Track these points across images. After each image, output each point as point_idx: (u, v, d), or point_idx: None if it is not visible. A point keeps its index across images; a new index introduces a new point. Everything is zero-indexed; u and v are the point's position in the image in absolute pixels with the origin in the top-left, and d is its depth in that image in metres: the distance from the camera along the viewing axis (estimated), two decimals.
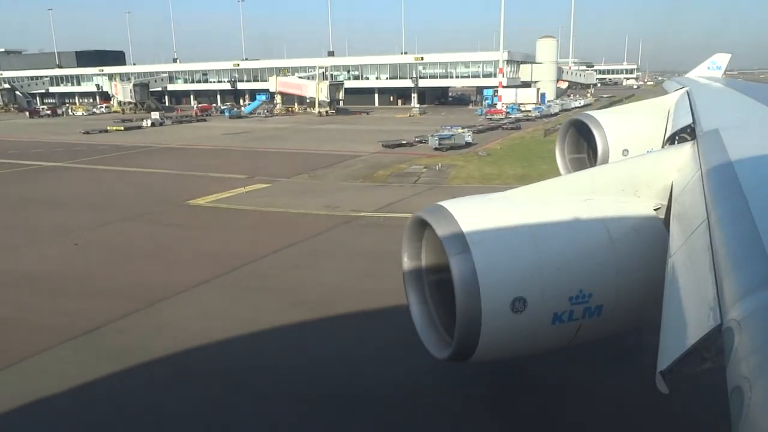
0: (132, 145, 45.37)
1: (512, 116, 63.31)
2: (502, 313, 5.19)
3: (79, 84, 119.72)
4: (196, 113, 76.43)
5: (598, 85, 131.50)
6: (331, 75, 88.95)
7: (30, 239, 18.49)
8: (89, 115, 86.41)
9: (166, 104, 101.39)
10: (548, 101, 76.48)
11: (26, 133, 58.79)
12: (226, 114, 75.52)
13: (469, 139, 39.38)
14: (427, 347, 6.27)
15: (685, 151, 5.77)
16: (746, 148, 4.77)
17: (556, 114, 65.89)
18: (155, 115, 65.61)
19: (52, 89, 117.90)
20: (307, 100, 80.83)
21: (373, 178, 28.74)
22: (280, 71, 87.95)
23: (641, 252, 5.50)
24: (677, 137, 7.33)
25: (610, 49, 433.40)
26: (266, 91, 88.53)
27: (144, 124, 61.96)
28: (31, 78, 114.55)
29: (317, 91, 76.25)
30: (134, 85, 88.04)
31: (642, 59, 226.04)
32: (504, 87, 79.43)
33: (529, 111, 66.60)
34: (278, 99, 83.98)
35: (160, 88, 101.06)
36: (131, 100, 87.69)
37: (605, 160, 10.39)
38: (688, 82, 14.46)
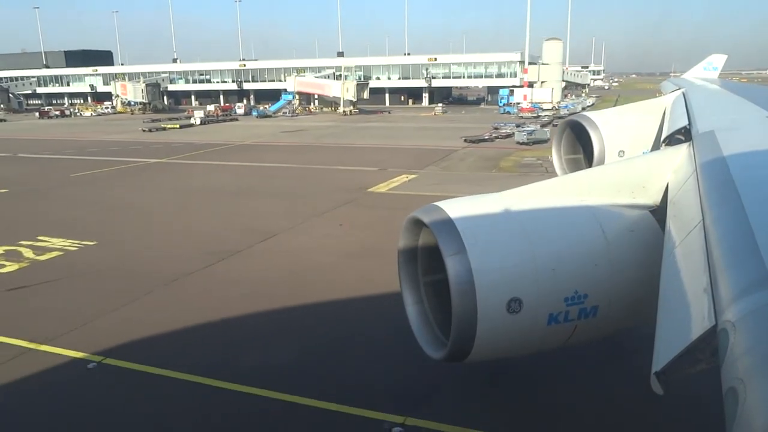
0: (206, 143, 45.43)
1: (542, 114, 66.39)
2: (498, 314, 5.21)
3: (68, 84, 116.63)
4: (217, 113, 76.23)
5: (591, 84, 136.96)
6: (362, 75, 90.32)
7: (295, 222, 19.12)
8: (97, 115, 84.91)
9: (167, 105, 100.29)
10: (567, 101, 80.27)
11: (68, 132, 57.80)
12: (254, 114, 76.31)
13: (548, 134, 41.84)
14: (423, 347, 6.32)
15: (681, 152, 5.80)
16: (741, 149, 4.80)
17: (583, 111, 69.08)
18: (199, 113, 65.84)
19: (39, 90, 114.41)
20: (331, 99, 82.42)
21: (501, 168, 29.94)
22: (297, 71, 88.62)
23: (637, 253, 5.52)
24: (673, 138, 7.36)
25: (574, 52, 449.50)
26: (275, 91, 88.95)
27: (193, 122, 62.93)
28: (18, 78, 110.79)
29: (343, 90, 77.39)
30: (147, 85, 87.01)
31: (605, 61, 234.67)
32: (517, 87, 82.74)
33: (557, 109, 69.86)
34: (295, 99, 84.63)
35: (161, 89, 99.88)
36: (143, 100, 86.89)
37: (601, 161, 10.47)
38: (684, 84, 14.50)
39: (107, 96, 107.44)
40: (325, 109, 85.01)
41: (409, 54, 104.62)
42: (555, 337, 5.68)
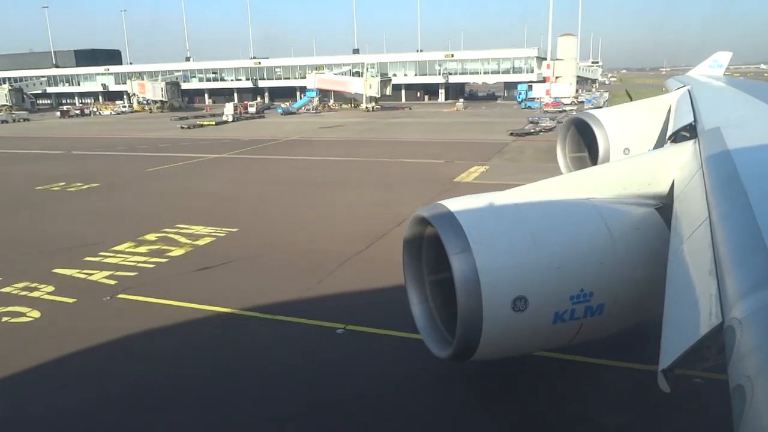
0: (251, 139, 45.23)
1: (567, 108, 67.42)
2: (504, 313, 5.19)
3: (78, 84, 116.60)
4: (241, 111, 76.80)
5: (599, 79, 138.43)
6: (376, 72, 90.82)
7: (418, 207, 19.52)
8: (117, 114, 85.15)
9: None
10: (588, 95, 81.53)
11: (103, 131, 58.05)
12: (279, 111, 76.77)
13: None
14: (428, 346, 6.30)
15: (687, 149, 5.76)
16: (748, 146, 4.77)
17: (605, 104, 70.34)
18: (230, 110, 66.32)
19: (50, 89, 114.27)
20: (352, 96, 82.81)
21: None
22: (316, 68, 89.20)
23: (643, 251, 5.49)
24: (678, 135, 7.32)
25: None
26: (290, 88, 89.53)
27: (226, 119, 63.22)
28: (28, 78, 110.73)
29: (365, 87, 77.60)
30: (166, 84, 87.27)
31: (602, 57, 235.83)
32: (535, 82, 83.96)
33: (581, 102, 70.97)
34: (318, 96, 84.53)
35: (179, 87, 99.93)
36: (163, 99, 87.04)
37: (606, 159, 10.39)
38: (689, 81, 14.39)
39: (119, 95, 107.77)
40: (344, 106, 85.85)
41: (421, 51, 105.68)
42: (561, 335, 5.66)
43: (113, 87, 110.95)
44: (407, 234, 6.43)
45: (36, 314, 11.20)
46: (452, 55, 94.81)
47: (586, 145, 11.76)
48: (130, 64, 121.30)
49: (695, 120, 7.19)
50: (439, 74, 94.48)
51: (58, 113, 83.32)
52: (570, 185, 6.12)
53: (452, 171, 27.32)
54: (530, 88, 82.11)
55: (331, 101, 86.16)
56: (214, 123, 60.45)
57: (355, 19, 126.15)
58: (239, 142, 43.46)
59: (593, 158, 11.15)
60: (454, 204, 5.70)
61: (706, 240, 3.10)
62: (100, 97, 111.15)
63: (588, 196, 5.88)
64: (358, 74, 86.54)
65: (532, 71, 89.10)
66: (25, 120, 75.90)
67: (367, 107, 77.42)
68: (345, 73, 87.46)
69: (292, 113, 75.81)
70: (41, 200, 23.47)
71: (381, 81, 79.53)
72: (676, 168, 5.60)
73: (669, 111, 10.17)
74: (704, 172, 4.40)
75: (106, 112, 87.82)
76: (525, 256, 5.28)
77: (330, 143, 42.85)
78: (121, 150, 40.76)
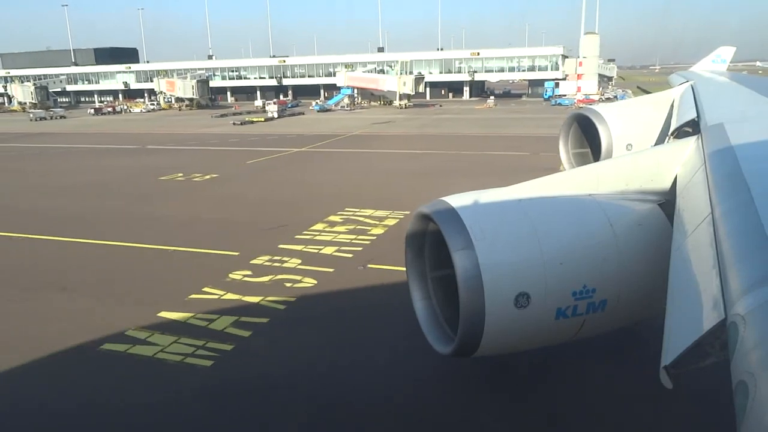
0: (314, 134, 45.77)
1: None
2: (506, 309, 5.16)
3: (97, 82, 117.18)
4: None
5: (615, 77, 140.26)
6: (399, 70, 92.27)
7: None
8: (147, 112, 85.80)
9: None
10: (618, 91, 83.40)
11: (155, 127, 58.69)
12: (316, 108, 77.31)
13: None
14: (431, 343, 6.25)
15: (690, 145, 5.70)
16: (751, 142, 4.72)
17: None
18: (273, 108, 66.85)
19: (68, 87, 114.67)
20: (384, 93, 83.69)
21: None
22: (345, 66, 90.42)
23: (645, 247, 5.44)
24: (681, 131, 7.27)
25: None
26: (313, 86, 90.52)
27: (272, 116, 64.22)
28: (49, 76, 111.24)
29: (399, 84, 77.98)
30: (197, 81, 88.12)
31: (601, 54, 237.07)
32: (560, 80, 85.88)
33: (611, 98, 72.51)
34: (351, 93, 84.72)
35: (208, 85, 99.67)
36: (193, 96, 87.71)
37: (609, 155, 10.34)
38: (692, 76, 14.30)
39: (139, 93, 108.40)
40: (372, 104, 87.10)
41: (442, 49, 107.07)
42: (563, 331, 5.61)
43: (134, 85, 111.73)
44: (410, 230, 6.39)
45: (311, 281, 12.55)
46: (478, 54, 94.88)
47: (588, 141, 11.68)
48: (147, 62, 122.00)
49: (698, 116, 7.14)
50: (466, 72, 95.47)
51: (92, 110, 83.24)
52: (572, 181, 6.09)
53: (548, 162, 28.64)
54: (557, 85, 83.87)
55: (359, 98, 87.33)
56: (263, 119, 61.65)
57: (380, 18, 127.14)
58: (305, 137, 44.08)
59: (596, 154, 11.07)
60: (457, 200, 5.64)
61: (708, 236, 3.09)
62: (120, 95, 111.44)
63: (590, 192, 5.84)
64: (382, 72, 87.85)
65: (557, 69, 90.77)
66: (61, 117, 75.26)
67: (399, 104, 78.06)
68: (371, 71, 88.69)
69: (327, 110, 76.20)
70: (178, 189, 24.39)
71: (415, 78, 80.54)
72: (679, 164, 5.55)
73: (672, 106, 10.08)
74: (707, 168, 4.36)
75: (137, 109, 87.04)
76: (527, 252, 5.25)
77: (398, 138, 43.26)
78: (194, 144, 41.33)
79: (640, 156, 6.69)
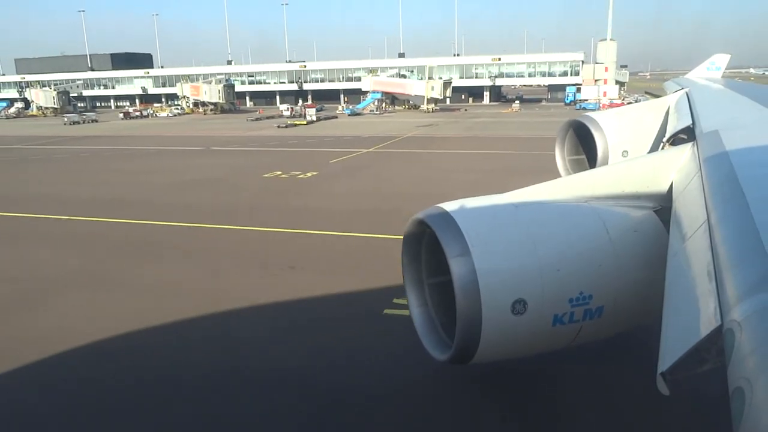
0: (369, 137, 45.92)
1: None
2: (503, 316, 5.13)
3: (113, 87, 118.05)
4: (304, 112, 78.76)
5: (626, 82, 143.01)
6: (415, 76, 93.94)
7: None
8: (173, 116, 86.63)
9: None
10: (639, 96, 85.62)
11: (198, 130, 59.41)
12: (347, 111, 78.30)
13: None
14: (427, 350, 6.20)
15: (685, 152, 5.66)
16: (746, 149, 4.72)
17: None
18: (311, 111, 67.86)
19: (86, 92, 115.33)
20: (410, 98, 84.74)
21: None
22: (370, 71, 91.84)
23: (642, 253, 5.41)
24: (677, 138, 7.23)
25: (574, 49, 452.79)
26: (333, 91, 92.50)
27: (312, 119, 65.08)
28: (66, 81, 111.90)
29: (427, 89, 78.55)
30: (224, 86, 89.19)
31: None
32: (576, 84, 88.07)
33: (635, 101, 74.64)
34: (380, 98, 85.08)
35: (234, 90, 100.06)
36: (220, 101, 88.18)
37: (605, 162, 10.32)
38: (688, 83, 14.31)
39: (156, 98, 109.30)
40: (397, 108, 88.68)
41: (458, 54, 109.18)
42: (560, 338, 5.58)
43: (151, 90, 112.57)
44: (406, 236, 6.33)
45: None
46: (499, 59, 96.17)
47: (584, 147, 11.66)
48: (161, 67, 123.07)
49: (693, 122, 7.12)
50: (486, 77, 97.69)
51: (121, 114, 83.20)
52: (569, 188, 6.06)
53: None
54: (578, 90, 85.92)
55: (386, 103, 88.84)
56: (305, 122, 62.40)
57: (401, 24, 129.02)
58: (363, 139, 44.03)
59: (592, 161, 11.03)
60: (454, 207, 5.61)
61: (704, 242, 3.09)
62: (137, 100, 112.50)
63: (587, 199, 5.82)
64: (403, 77, 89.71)
65: (577, 74, 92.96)
66: (93, 121, 76.46)
67: (426, 108, 78.27)
68: (394, 76, 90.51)
69: (357, 114, 76.63)
70: (294, 185, 25.12)
71: (443, 83, 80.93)
72: (675, 170, 5.52)
73: (667, 113, 10.10)
74: (703, 175, 4.36)
75: (163, 114, 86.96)
76: (524, 258, 5.22)
77: (456, 140, 43.28)
78: (256, 146, 41.76)
79: (636, 162, 6.68)
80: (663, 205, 5.61)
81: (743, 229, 2.85)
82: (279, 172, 28.56)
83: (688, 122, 7.34)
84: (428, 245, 6.24)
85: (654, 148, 9.85)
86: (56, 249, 16.38)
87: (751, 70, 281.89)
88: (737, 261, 2.57)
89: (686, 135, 7.02)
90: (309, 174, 28.00)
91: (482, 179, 25.38)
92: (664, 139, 8.16)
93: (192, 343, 9.89)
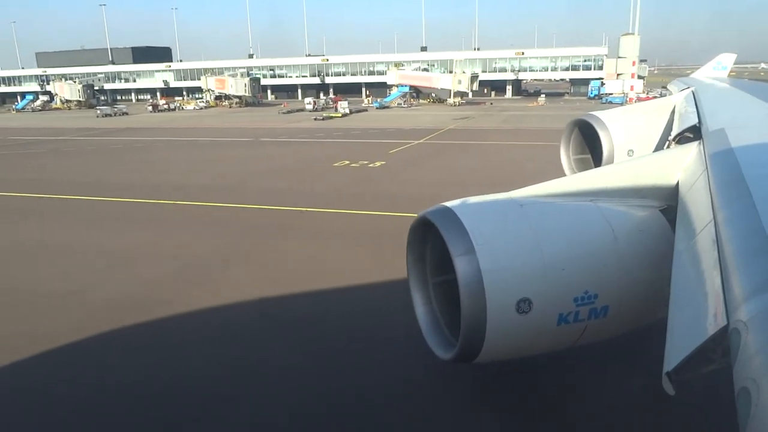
0: (411, 129, 47.06)
1: None
2: (508, 315, 5.09)
3: (134, 81, 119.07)
4: (336, 105, 78.78)
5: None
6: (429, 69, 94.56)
7: None
8: (199, 109, 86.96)
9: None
10: (662, 90, 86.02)
11: (231, 122, 60.43)
12: (375, 105, 79.24)
13: None
14: (432, 348, 6.15)
15: (691, 151, 5.61)
16: (752, 147, 4.66)
17: None
18: (345, 104, 68.79)
19: (107, 86, 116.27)
20: (436, 91, 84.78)
21: None
22: (395, 65, 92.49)
23: (647, 253, 5.35)
24: (683, 137, 7.16)
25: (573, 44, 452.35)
26: (355, 84, 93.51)
27: (344, 112, 66.20)
28: (88, 74, 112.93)
29: (454, 82, 79.40)
30: (250, 79, 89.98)
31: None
32: (601, 79, 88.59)
33: (659, 95, 75.09)
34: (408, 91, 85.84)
35: (260, 83, 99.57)
36: (246, 94, 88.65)
37: (610, 161, 10.22)
38: (693, 82, 14.23)
39: (177, 91, 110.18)
40: (422, 101, 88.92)
41: (478, 48, 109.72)
42: (565, 337, 5.52)
43: (173, 83, 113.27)
44: (411, 235, 6.30)
45: None
46: (522, 53, 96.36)
47: (589, 146, 11.58)
48: (180, 61, 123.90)
49: (699, 121, 7.04)
50: (509, 71, 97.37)
51: (150, 107, 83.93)
52: (574, 187, 6.02)
53: None
54: (602, 84, 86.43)
55: (412, 97, 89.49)
56: (340, 115, 63.68)
57: (423, 18, 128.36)
58: (406, 131, 45.12)
59: (597, 160, 10.97)
60: (459, 206, 5.56)
61: (710, 242, 3.06)
62: (158, 94, 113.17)
63: (592, 198, 5.76)
64: (426, 71, 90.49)
65: (600, 68, 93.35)
66: (124, 113, 76.55)
67: (453, 101, 78.89)
68: (417, 69, 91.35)
69: (385, 107, 77.33)
70: (368, 174, 26.08)
71: (471, 77, 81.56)
72: (681, 169, 5.46)
73: (673, 112, 10.04)
74: (709, 174, 4.31)
75: (189, 107, 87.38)
76: (529, 257, 5.16)
77: (497, 131, 43.99)
78: (305, 137, 42.70)
79: (642, 161, 6.62)
80: (669, 204, 5.55)
81: (750, 228, 2.79)
82: (347, 162, 29.25)
83: (695, 121, 7.25)
84: (433, 244, 6.18)
85: (659, 147, 9.74)
86: (194, 230, 17.74)
87: (762, 65, 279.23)
88: (743, 261, 2.53)
89: (692, 134, 6.94)
90: (378, 163, 28.72)
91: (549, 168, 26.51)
92: (670, 138, 8.07)
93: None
